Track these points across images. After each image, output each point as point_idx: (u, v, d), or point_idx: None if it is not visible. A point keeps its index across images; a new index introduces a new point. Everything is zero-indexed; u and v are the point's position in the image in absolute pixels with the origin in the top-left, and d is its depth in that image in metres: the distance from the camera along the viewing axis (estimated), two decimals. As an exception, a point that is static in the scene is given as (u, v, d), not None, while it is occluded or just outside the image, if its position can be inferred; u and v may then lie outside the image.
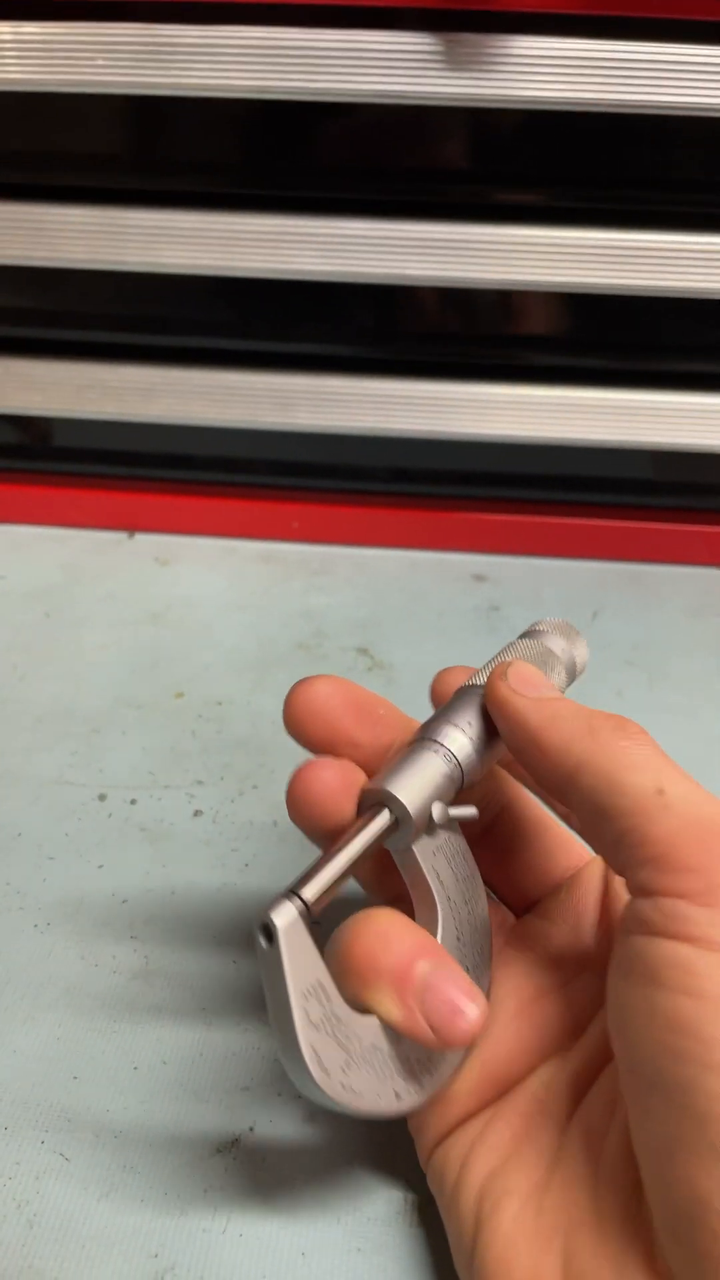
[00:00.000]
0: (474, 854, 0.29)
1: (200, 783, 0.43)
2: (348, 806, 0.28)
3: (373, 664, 0.50)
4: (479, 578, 0.56)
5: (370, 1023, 0.25)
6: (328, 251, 0.49)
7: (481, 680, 0.30)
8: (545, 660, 0.31)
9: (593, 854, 0.31)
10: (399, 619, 0.53)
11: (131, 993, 0.34)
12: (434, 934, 0.27)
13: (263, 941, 0.24)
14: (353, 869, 0.26)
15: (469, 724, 0.29)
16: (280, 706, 0.30)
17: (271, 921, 0.24)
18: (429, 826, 0.27)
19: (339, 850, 0.26)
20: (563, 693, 0.30)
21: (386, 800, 0.27)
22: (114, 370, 0.54)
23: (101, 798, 0.42)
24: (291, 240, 0.49)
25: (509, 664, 0.29)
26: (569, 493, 0.56)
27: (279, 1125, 0.30)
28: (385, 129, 0.46)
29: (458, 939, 0.28)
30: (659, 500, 0.56)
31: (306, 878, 0.25)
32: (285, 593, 0.54)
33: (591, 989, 0.28)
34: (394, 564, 0.57)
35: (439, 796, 0.27)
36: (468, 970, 0.27)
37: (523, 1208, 0.25)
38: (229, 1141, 0.30)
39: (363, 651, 0.50)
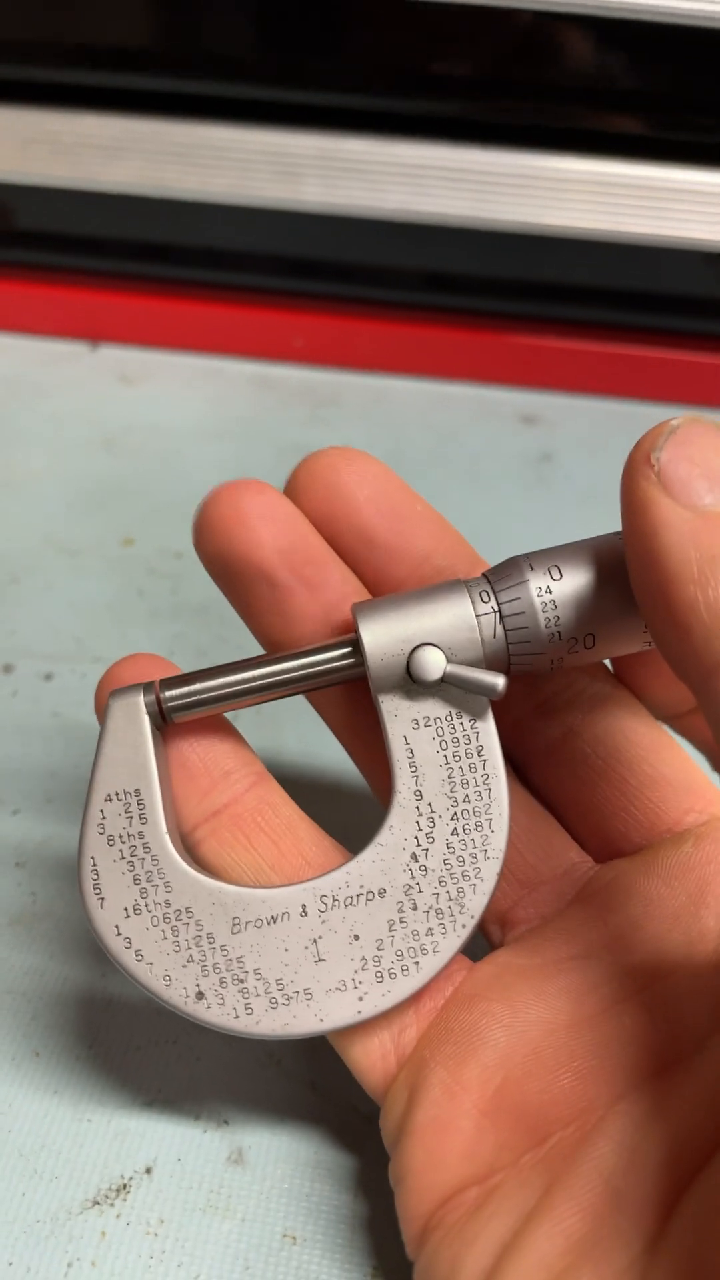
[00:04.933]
0: (546, 771, 0.21)
1: (142, 657, 0.32)
2: (265, 537, 0.20)
3: (385, 518, 0.38)
4: (529, 419, 0.44)
5: (197, 882, 0.19)
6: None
7: None
8: None
9: None
10: (424, 465, 0.41)
11: (6, 945, 0.24)
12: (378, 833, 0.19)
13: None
14: (269, 693, 0.19)
15: (556, 570, 0.19)
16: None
17: (108, 701, 0.19)
18: (405, 684, 0.19)
19: (258, 661, 0.19)
20: None
21: (356, 625, 0.19)
22: (67, 119, 0.41)
23: (6, 669, 0.31)
24: None
25: (678, 424, 0.17)
26: (652, 315, 0.44)
27: (191, 1165, 0.20)
28: None
29: (413, 858, 0.18)
30: (767, 329, 0.44)
31: (191, 676, 0.19)
32: (279, 423, 0.43)
33: (714, 994, 0.18)
34: (421, 397, 0.45)
35: (445, 649, 0.19)
36: (420, 913, 0.18)
37: None
38: (114, 1188, 0.20)
39: (373, 502, 0.39)
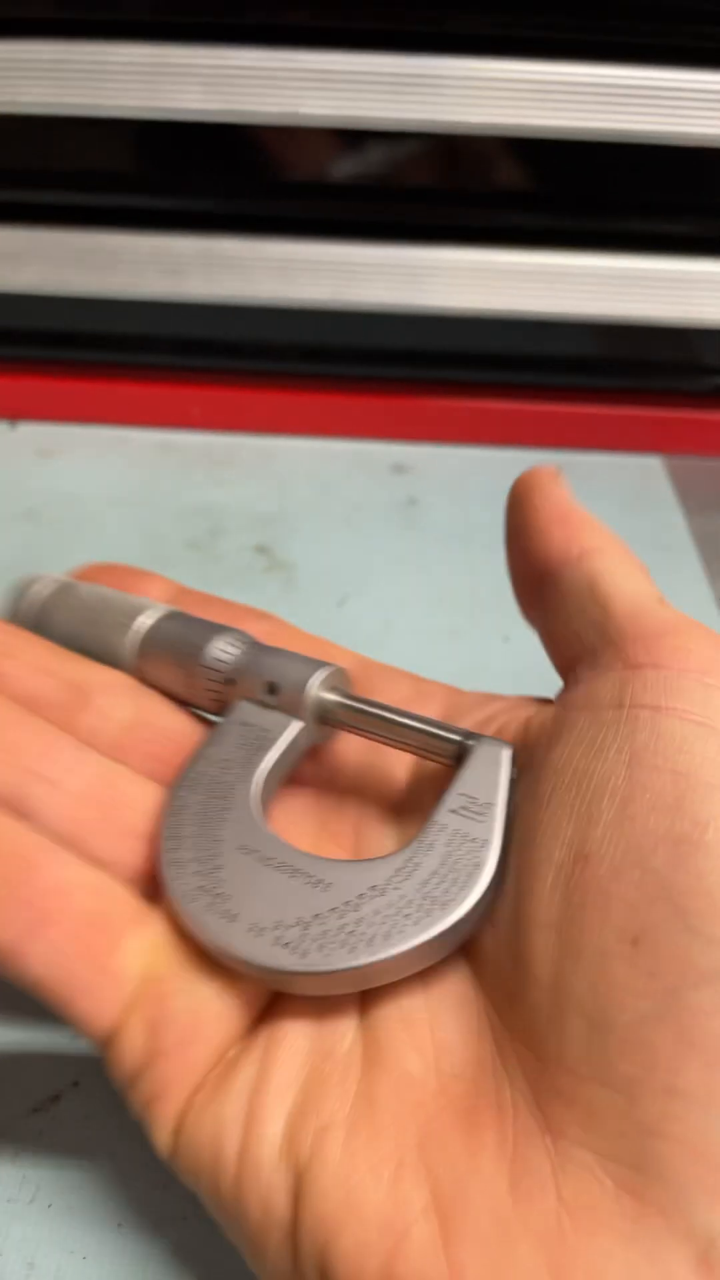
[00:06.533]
0: None
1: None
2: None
3: (271, 564, 0.45)
4: (398, 468, 0.51)
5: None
6: (213, 86, 0.42)
7: None
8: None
9: None
10: (307, 514, 0.48)
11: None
12: None
13: None
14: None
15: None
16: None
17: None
18: None
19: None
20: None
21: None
22: (-23, 232, 0.47)
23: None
24: (171, 73, 0.42)
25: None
26: (498, 373, 0.51)
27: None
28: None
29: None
30: (596, 381, 0.51)
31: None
32: (181, 486, 0.49)
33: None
34: (305, 454, 0.51)
35: None
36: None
37: (351, 1135, 0.19)
38: (48, 1098, 0.26)
39: (262, 550, 0.45)
